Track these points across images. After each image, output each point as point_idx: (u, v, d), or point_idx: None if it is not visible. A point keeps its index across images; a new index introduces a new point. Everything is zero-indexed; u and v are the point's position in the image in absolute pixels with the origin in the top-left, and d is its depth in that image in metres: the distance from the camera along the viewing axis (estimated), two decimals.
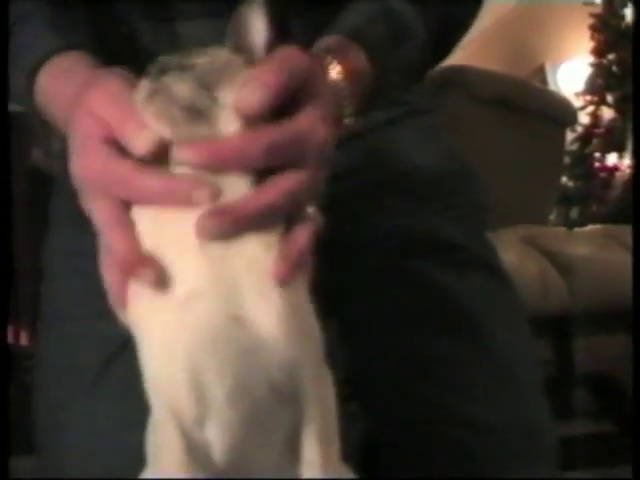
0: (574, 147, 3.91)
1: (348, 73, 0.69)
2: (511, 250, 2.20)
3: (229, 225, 0.56)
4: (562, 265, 2.25)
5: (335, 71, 0.68)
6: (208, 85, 0.59)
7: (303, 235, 0.59)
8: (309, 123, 0.60)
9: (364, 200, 0.87)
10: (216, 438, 0.58)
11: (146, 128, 0.58)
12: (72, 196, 0.64)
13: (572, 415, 2.10)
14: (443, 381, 0.81)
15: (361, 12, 0.78)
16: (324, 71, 0.68)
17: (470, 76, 2.89)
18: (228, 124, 0.59)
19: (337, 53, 0.70)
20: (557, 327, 2.26)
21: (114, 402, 0.75)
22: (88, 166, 0.61)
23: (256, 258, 0.58)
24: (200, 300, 0.57)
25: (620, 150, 3.64)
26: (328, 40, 0.72)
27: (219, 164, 0.57)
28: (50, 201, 0.91)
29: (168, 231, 0.59)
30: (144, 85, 0.60)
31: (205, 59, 0.61)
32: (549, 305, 2.17)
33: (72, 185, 0.63)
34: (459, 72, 2.86)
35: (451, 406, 0.81)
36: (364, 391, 0.82)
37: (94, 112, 0.61)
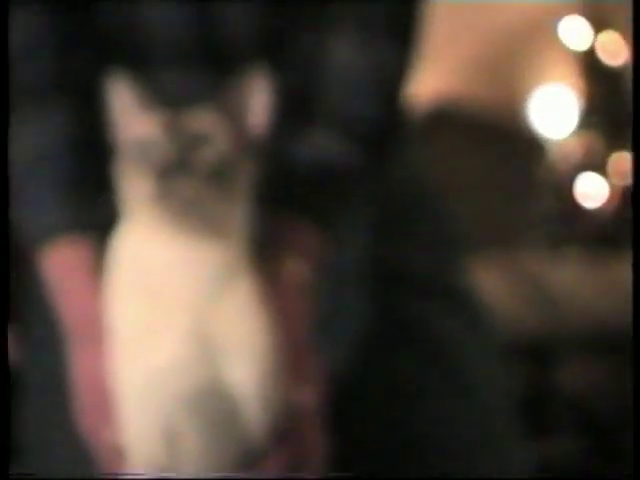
0: (556, 167, 3.91)
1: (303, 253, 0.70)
2: (490, 273, 2.20)
3: None
4: (543, 289, 2.25)
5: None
6: (213, 182, 0.60)
7: None
8: None
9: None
10: None
11: None
12: None
13: (550, 439, 2.11)
14: (410, 408, 0.83)
15: (297, 172, 0.74)
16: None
17: (460, 107, 2.91)
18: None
19: (289, 236, 0.70)
20: (537, 352, 2.26)
21: None
22: None
23: (240, 316, 0.60)
24: (179, 367, 0.59)
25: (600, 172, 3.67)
26: (275, 219, 0.69)
27: None
28: None
29: (153, 293, 0.60)
30: (151, 185, 0.59)
31: (203, 145, 0.60)
32: (529, 330, 2.17)
33: None
34: (447, 107, 2.88)
35: (417, 432, 0.82)
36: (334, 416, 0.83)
37: None
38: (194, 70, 0.80)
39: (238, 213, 0.62)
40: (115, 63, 0.66)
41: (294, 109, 0.74)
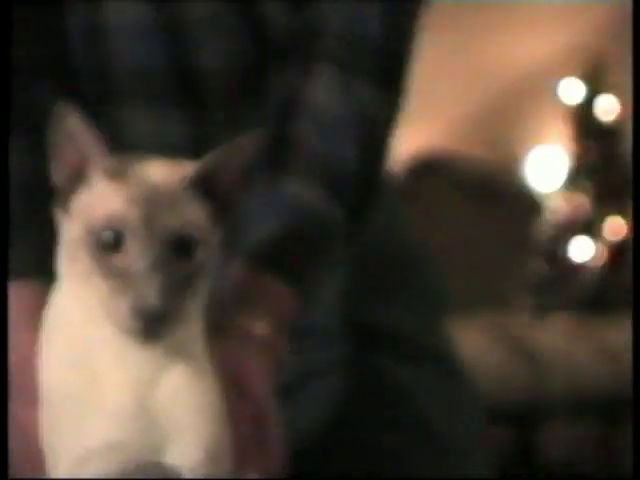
0: (544, 230, 3.91)
1: (273, 313, 0.66)
2: (475, 337, 2.18)
3: None
4: (528, 354, 2.23)
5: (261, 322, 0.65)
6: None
7: None
8: None
9: None
10: None
11: None
12: None
13: None
14: (391, 477, 0.79)
15: (270, 227, 0.69)
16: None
17: (451, 164, 2.93)
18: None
19: (257, 295, 0.66)
20: (522, 417, 2.23)
21: None
22: None
23: (183, 390, 0.55)
24: (114, 448, 0.54)
25: (591, 234, 3.66)
26: (244, 277, 0.66)
27: None
28: None
29: (89, 365, 0.55)
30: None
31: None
32: (514, 395, 2.14)
33: None
34: (441, 160, 2.90)
35: None
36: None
37: None
38: (165, 111, 0.75)
39: (198, 290, 0.56)
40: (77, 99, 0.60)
41: (267, 155, 0.70)
